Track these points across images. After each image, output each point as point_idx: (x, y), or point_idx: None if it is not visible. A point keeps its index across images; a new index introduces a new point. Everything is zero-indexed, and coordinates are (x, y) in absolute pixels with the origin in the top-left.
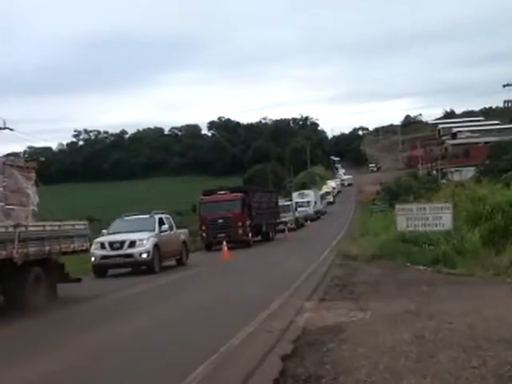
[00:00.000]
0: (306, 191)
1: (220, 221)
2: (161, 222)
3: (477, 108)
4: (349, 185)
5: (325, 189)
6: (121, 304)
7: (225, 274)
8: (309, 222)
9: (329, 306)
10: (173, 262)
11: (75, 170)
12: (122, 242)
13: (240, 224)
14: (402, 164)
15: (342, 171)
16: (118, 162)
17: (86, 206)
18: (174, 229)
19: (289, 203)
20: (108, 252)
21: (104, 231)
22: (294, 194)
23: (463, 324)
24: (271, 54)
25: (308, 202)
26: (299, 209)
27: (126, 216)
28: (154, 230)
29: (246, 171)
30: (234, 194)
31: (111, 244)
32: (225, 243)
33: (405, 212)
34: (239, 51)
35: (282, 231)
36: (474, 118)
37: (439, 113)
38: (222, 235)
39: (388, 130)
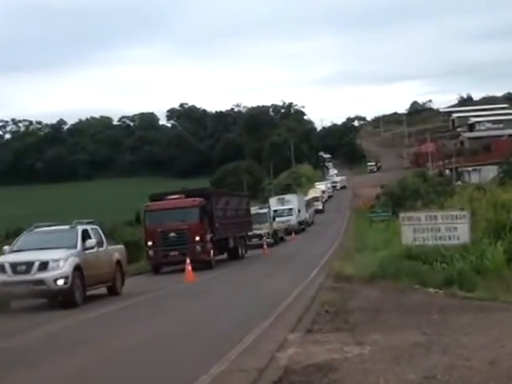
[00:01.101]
0: (287, 196)
1: (171, 234)
2: (85, 236)
3: (499, 93)
4: (342, 188)
5: (312, 193)
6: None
7: (184, 300)
8: (293, 235)
9: (318, 339)
10: (102, 291)
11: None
12: (30, 264)
13: (198, 238)
14: (408, 162)
15: (333, 171)
16: (55, 160)
17: (9, 215)
18: (105, 245)
19: (264, 211)
20: (9, 277)
21: (6, 248)
22: (272, 200)
23: (483, 360)
24: (245, 27)
25: (290, 209)
26: (278, 219)
27: (38, 227)
28: (75, 247)
29: (215, 171)
30: (191, 200)
31: (14, 266)
32: (188, 261)
33: (411, 222)
34: (206, 24)
35: (256, 247)
36: (495, 106)
37: (453, 99)
38: (175, 253)
39: (390, 120)
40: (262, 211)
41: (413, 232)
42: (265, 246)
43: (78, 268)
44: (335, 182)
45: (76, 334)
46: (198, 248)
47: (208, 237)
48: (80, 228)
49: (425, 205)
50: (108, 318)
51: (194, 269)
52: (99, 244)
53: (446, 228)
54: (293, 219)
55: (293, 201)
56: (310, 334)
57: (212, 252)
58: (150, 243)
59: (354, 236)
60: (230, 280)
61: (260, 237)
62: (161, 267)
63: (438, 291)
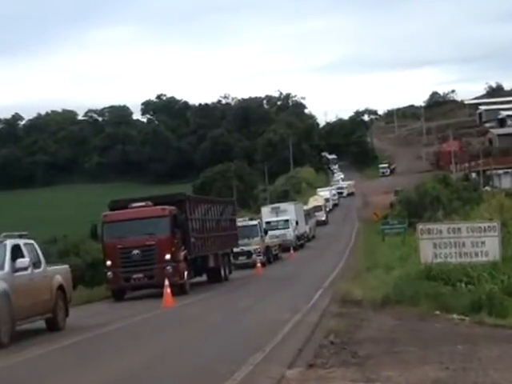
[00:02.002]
0: (282, 205)
1: (135, 252)
2: (16, 254)
3: None
4: (349, 195)
5: (313, 202)
6: None
7: (158, 331)
8: (291, 252)
9: (321, 376)
10: (40, 325)
11: None
12: None
13: (169, 257)
14: (427, 164)
15: (339, 175)
16: (8, 162)
17: None
18: (43, 265)
19: (255, 223)
20: None
21: None
22: (265, 210)
23: None
24: (234, 1)
25: (286, 221)
26: (272, 232)
27: None
28: (1, 268)
29: (199, 175)
30: (160, 208)
31: None
32: (167, 282)
33: (431, 235)
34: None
35: (244, 267)
36: None
37: (480, 89)
38: (139, 276)
39: (406, 113)
40: (251, 223)
41: (433, 247)
42: (258, 265)
43: (4, 295)
44: (341, 188)
45: None
46: (169, 269)
47: (181, 254)
48: (9, 243)
49: (447, 215)
50: (44, 361)
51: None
52: (35, 264)
53: (472, 242)
54: (289, 233)
55: (289, 210)
56: (312, 369)
57: (186, 273)
58: (108, 263)
59: (364, 252)
60: (213, 306)
61: (249, 254)
62: (123, 293)
63: (464, 318)
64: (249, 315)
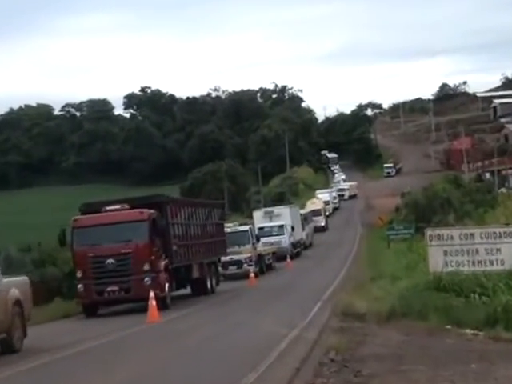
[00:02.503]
0: (277, 209)
1: (109, 261)
2: None
3: None
4: (351, 197)
5: (311, 205)
6: None
7: (134, 352)
8: (287, 261)
9: None
10: None
11: None
12: None
13: (147, 267)
14: (436, 163)
15: (340, 175)
16: None
17: None
18: None
19: (245, 229)
20: None
21: None
22: (257, 214)
23: None
24: None
25: (280, 226)
26: (265, 239)
27: None
28: None
29: (187, 176)
30: (137, 211)
31: None
32: (152, 294)
33: (441, 242)
34: None
35: (234, 278)
36: None
37: (495, 80)
38: (114, 288)
39: (414, 107)
40: (241, 229)
41: (443, 255)
42: (251, 275)
43: None
44: (342, 190)
45: None
46: (148, 280)
47: (161, 264)
48: None
49: (459, 219)
50: None
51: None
52: None
53: (486, 250)
54: (284, 240)
55: (284, 215)
56: None
57: (167, 285)
58: (79, 274)
59: (367, 261)
60: (203, 320)
61: (239, 264)
62: (95, 309)
63: (477, 333)
64: (241, 330)
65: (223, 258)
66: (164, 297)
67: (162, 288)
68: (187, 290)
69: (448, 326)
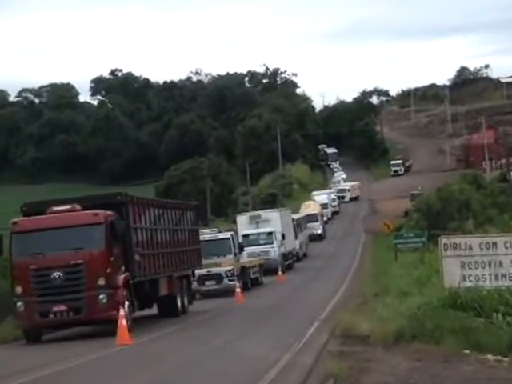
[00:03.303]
0: (264, 213)
1: (56, 274)
2: None
3: None
4: (353, 199)
5: (306, 209)
6: None
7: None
8: (279, 274)
9: None
10: None
11: None
12: None
13: (103, 281)
14: (453, 160)
15: (340, 174)
16: None
17: None
18: None
19: (226, 236)
20: None
21: None
22: (242, 219)
23: None
24: None
25: (269, 234)
26: (250, 249)
27: None
28: None
29: (163, 174)
30: (91, 213)
31: None
32: (122, 313)
33: (458, 252)
34: None
35: (212, 295)
36: None
37: None
38: (61, 308)
39: (427, 95)
40: (221, 236)
41: (460, 267)
42: (237, 290)
43: None
44: (343, 191)
45: None
46: (103, 298)
47: (120, 278)
48: None
49: (479, 225)
50: None
51: (127, 334)
52: None
53: (511, 261)
54: (273, 250)
55: (274, 220)
56: None
57: (127, 305)
58: (18, 290)
59: (372, 274)
60: (181, 343)
61: (218, 278)
62: (38, 333)
63: (501, 359)
64: (224, 355)
65: (199, 272)
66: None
67: (119, 308)
68: (153, 310)
69: (466, 351)
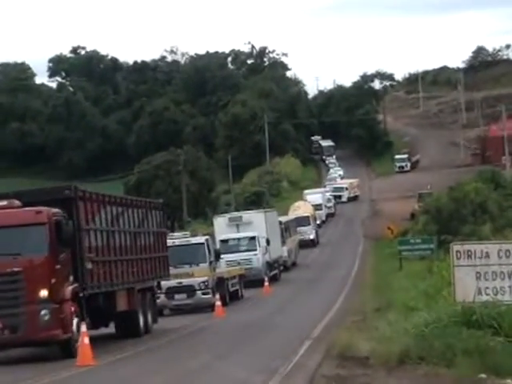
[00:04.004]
0: (247, 215)
1: None
2: None
3: None
4: (352, 199)
5: (296, 210)
6: None
7: None
8: (266, 285)
9: None
10: None
11: None
12: None
13: (45, 293)
14: (467, 154)
15: (337, 170)
16: None
17: None
18: None
19: (200, 241)
20: None
21: None
22: (220, 222)
23: None
24: None
25: (251, 239)
26: (229, 256)
27: None
28: None
29: (133, 168)
30: (32, 211)
31: None
32: (84, 329)
33: (473, 261)
34: None
35: (183, 311)
36: None
37: None
38: None
39: (437, 79)
40: (194, 241)
41: (475, 279)
42: (218, 303)
43: None
44: (340, 190)
45: None
46: (45, 314)
47: (68, 290)
48: None
49: (497, 231)
50: None
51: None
52: None
53: None
54: (256, 258)
55: (257, 223)
56: None
57: (76, 322)
58: None
59: (372, 286)
60: (153, 365)
61: (190, 290)
62: None
63: None
64: (201, 379)
65: (166, 283)
66: (69, 339)
67: (66, 326)
68: (110, 329)
69: (482, 375)
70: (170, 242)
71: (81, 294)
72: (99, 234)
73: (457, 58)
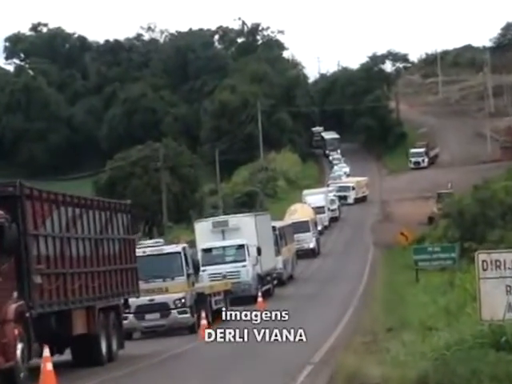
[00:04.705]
0: (233, 218)
1: None
2: None
3: None
4: (359, 200)
5: (294, 214)
6: None
7: None
8: (260, 300)
9: None
10: None
11: None
12: None
13: None
14: (496, 148)
15: (342, 167)
16: None
17: None
18: None
19: (175, 249)
20: None
21: None
22: (202, 227)
23: None
24: None
25: (239, 247)
26: (213, 269)
27: None
28: None
29: (105, 164)
30: None
31: None
32: (47, 353)
33: (502, 272)
34: None
35: (157, 333)
36: None
37: None
38: None
39: (459, 60)
40: (168, 250)
41: (505, 293)
42: (203, 322)
43: None
44: (345, 190)
45: None
46: None
47: (10, 309)
48: None
49: None
50: None
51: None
52: None
53: None
54: (245, 270)
55: (246, 228)
56: None
57: (21, 348)
58: None
59: (384, 302)
60: None
61: (164, 309)
62: None
63: None
64: None
65: (136, 301)
66: (11, 369)
67: (8, 353)
68: (66, 356)
69: None
70: (139, 252)
71: (27, 314)
72: (51, 241)
73: (482, 35)
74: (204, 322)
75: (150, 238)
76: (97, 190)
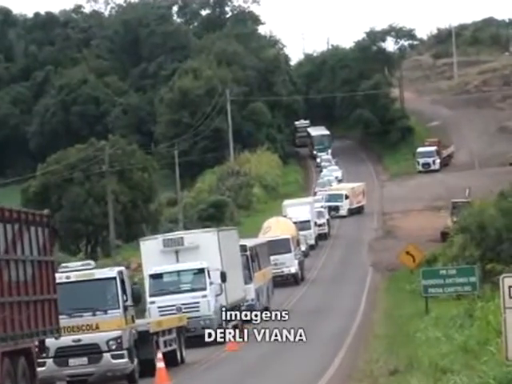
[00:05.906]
0: (190, 235)
1: None
2: None
3: None
4: (355, 211)
5: (270, 231)
6: None
7: None
8: (230, 341)
9: None
10: None
11: None
12: None
13: None
14: None
15: (332, 170)
16: None
17: None
18: None
19: (109, 275)
20: None
21: None
22: (148, 246)
23: None
24: None
25: (198, 272)
26: (163, 300)
27: None
28: None
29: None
30: None
31: None
32: None
33: None
34: None
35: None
36: None
37: None
38: None
39: (479, 36)
40: (99, 275)
41: None
42: (160, 365)
43: None
44: (337, 199)
45: None
46: None
47: None
48: None
49: None
50: None
51: None
52: None
53: None
54: (205, 300)
55: (207, 248)
56: None
57: None
58: None
59: (386, 339)
60: None
61: (93, 352)
62: None
63: None
64: None
65: (56, 342)
66: None
67: None
68: None
69: None
70: (61, 277)
71: None
72: None
73: (507, 7)
74: (161, 364)
75: (94, 260)
76: (25, 201)
